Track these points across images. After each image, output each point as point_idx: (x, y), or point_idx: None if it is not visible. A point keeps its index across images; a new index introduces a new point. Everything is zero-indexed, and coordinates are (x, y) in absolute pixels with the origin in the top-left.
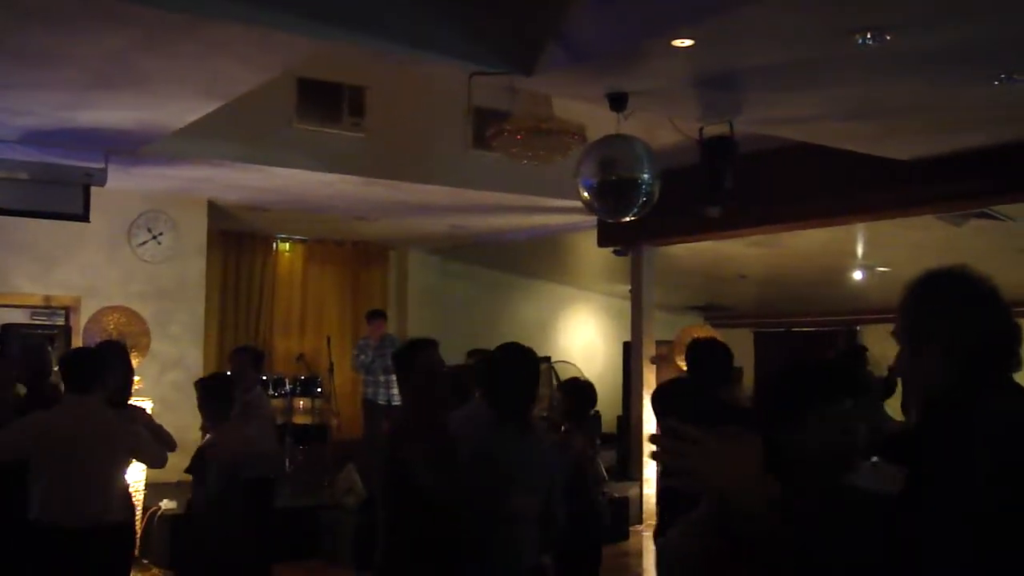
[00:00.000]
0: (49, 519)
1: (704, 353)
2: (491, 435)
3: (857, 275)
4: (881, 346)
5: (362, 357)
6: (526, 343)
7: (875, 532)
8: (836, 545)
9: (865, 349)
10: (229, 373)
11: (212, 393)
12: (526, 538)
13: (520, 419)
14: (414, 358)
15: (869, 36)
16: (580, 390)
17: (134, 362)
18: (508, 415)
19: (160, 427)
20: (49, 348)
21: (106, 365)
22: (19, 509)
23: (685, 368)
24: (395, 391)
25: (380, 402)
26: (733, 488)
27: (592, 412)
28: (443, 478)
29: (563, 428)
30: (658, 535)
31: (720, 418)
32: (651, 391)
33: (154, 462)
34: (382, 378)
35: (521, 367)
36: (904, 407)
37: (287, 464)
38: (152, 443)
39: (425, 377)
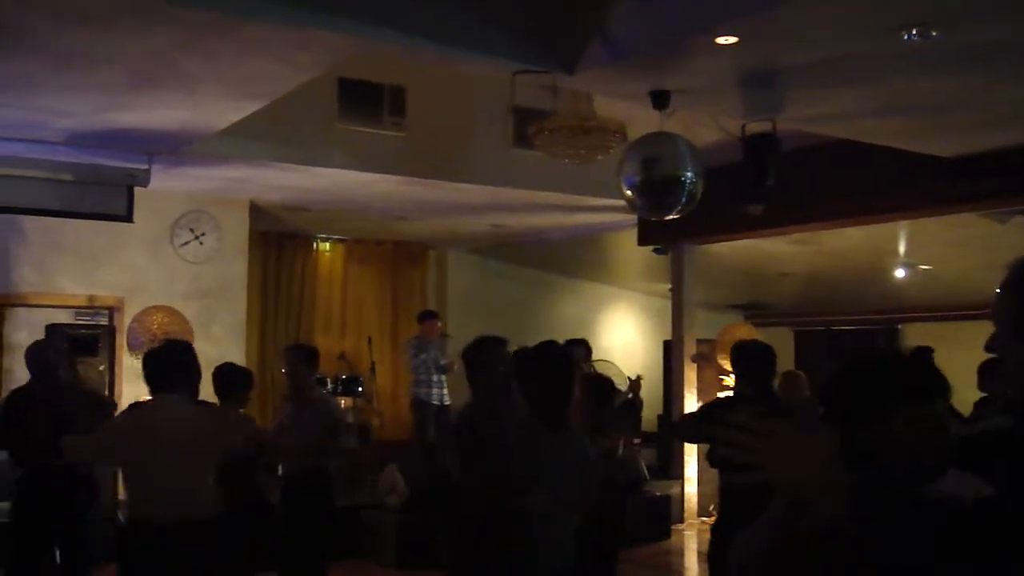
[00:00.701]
0: (137, 516)
1: (754, 357)
2: (519, 431)
3: (899, 273)
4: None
5: (423, 355)
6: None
7: (962, 545)
8: (916, 555)
9: (931, 350)
10: (284, 371)
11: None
12: (545, 538)
13: (552, 417)
14: (487, 356)
15: (915, 32)
16: (593, 392)
17: None
18: (539, 413)
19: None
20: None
21: (191, 364)
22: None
23: (731, 371)
24: (446, 391)
25: (433, 402)
26: (807, 483)
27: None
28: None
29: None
30: (717, 530)
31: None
32: (692, 389)
33: (242, 454)
34: (435, 378)
35: (553, 365)
36: (979, 404)
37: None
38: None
39: (501, 374)
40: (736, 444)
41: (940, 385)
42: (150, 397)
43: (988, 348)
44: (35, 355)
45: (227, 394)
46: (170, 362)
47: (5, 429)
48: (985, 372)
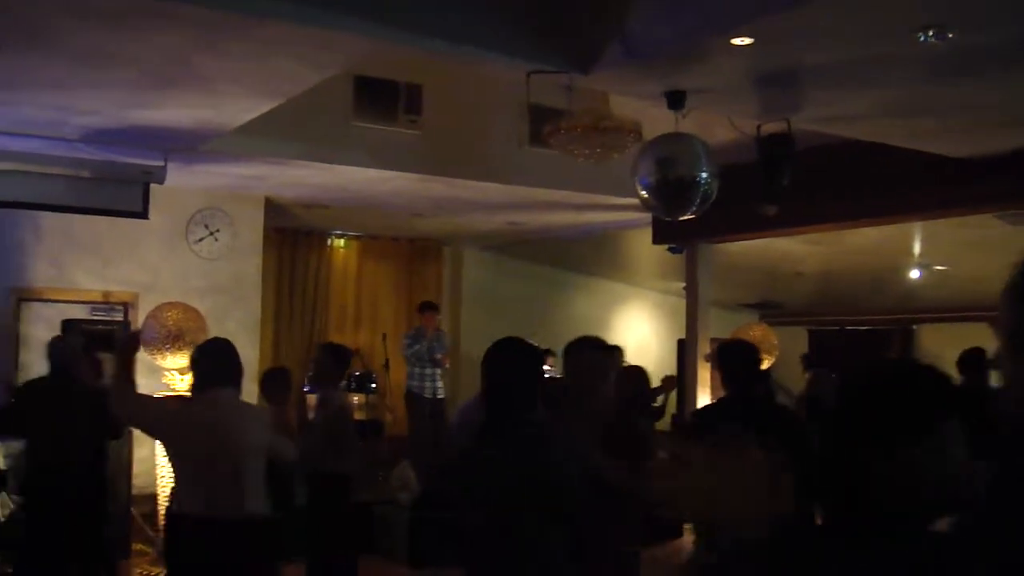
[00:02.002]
0: (187, 509)
1: (734, 358)
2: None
3: (914, 273)
4: (938, 346)
5: (416, 347)
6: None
7: None
8: None
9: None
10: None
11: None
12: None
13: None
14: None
15: (931, 33)
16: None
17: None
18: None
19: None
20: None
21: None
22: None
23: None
24: (440, 384)
25: (426, 396)
26: (730, 517)
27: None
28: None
29: None
30: None
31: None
32: (706, 389)
33: (286, 455)
34: (428, 371)
35: (510, 363)
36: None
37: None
38: (283, 437)
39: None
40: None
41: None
42: (198, 392)
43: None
44: (57, 351)
45: (274, 396)
46: (226, 358)
47: (18, 420)
48: (963, 366)
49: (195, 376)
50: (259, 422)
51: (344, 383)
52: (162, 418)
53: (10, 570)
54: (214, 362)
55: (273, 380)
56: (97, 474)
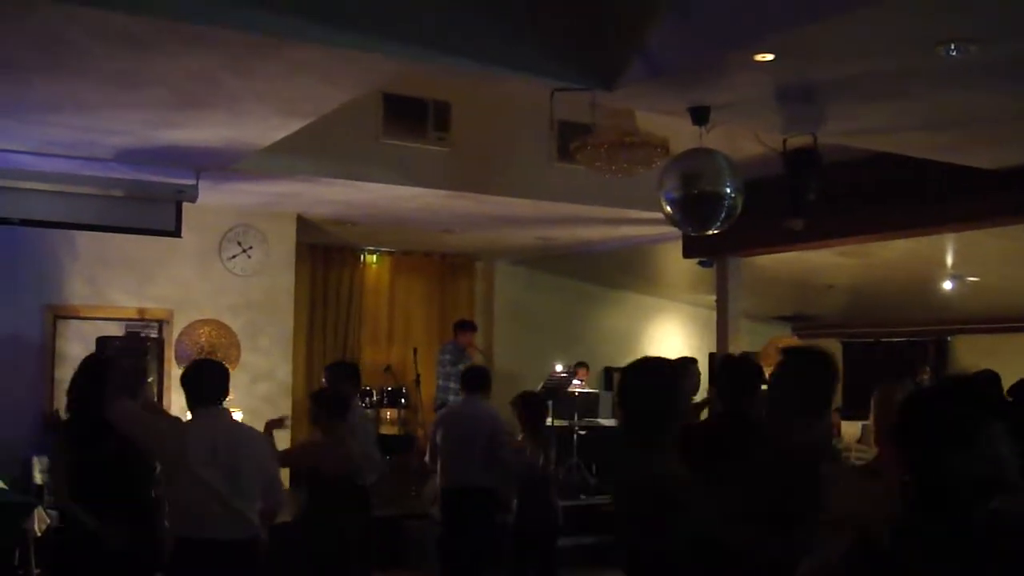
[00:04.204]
0: (173, 529)
1: (732, 373)
2: None
3: (947, 285)
4: (973, 356)
5: (460, 366)
6: (613, 354)
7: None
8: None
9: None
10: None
11: (321, 403)
12: None
13: None
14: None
15: (953, 48)
16: (530, 404)
17: None
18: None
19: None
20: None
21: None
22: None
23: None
24: None
25: None
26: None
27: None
28: None
29: (520, 438)
30: None
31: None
32: None
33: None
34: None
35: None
36: None
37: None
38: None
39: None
40: None
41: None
42: (195, 411)
43: None
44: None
45: (327, 418)
46: (220, 377)
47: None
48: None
49: (194, 396)
50: (264, 442)
51: (376, 397)
52: (173, 438)
53: None
54: (211, 381)
55: (328, 402)
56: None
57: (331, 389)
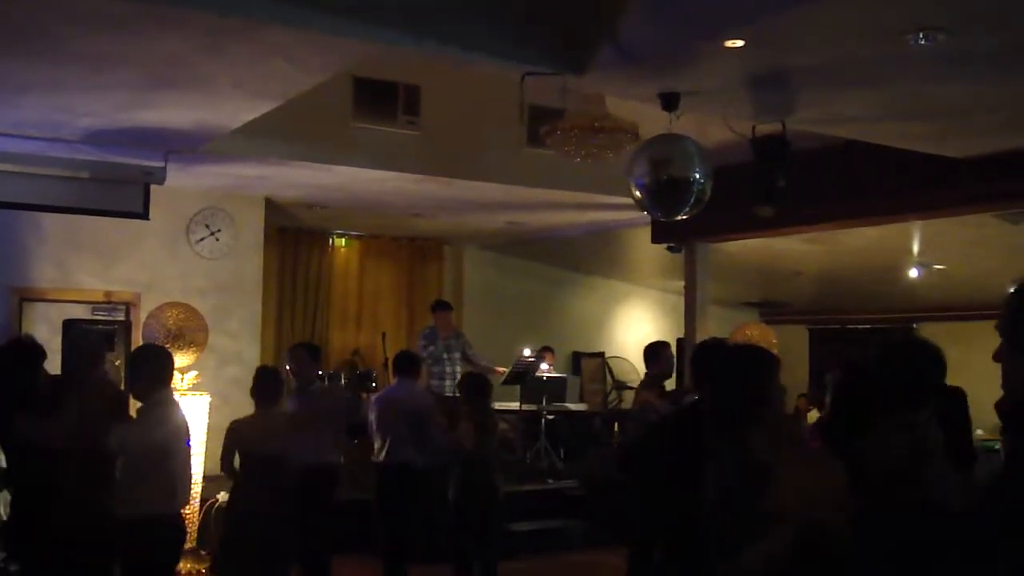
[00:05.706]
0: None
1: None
2: None
3: (913, 272)
4: (938, 344)
5: (431, 348)
6: (581, 339)
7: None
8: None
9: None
10: (288, 368)
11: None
12: None
13: None
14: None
15: (921, 37)
16: (469, 386)
17: (192, 357)
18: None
19: None
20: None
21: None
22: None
23: None
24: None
25: (446, 394)
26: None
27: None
28: None
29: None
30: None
31: None
32: None
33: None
34: (448, 369)
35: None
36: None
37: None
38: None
39: None
40: None
41: (935, 394)
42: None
43: (995, 358)
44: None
45: (267, 399)
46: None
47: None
48: None
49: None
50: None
51: (344, 381)
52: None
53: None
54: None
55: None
56: None
57: (272, 373)
